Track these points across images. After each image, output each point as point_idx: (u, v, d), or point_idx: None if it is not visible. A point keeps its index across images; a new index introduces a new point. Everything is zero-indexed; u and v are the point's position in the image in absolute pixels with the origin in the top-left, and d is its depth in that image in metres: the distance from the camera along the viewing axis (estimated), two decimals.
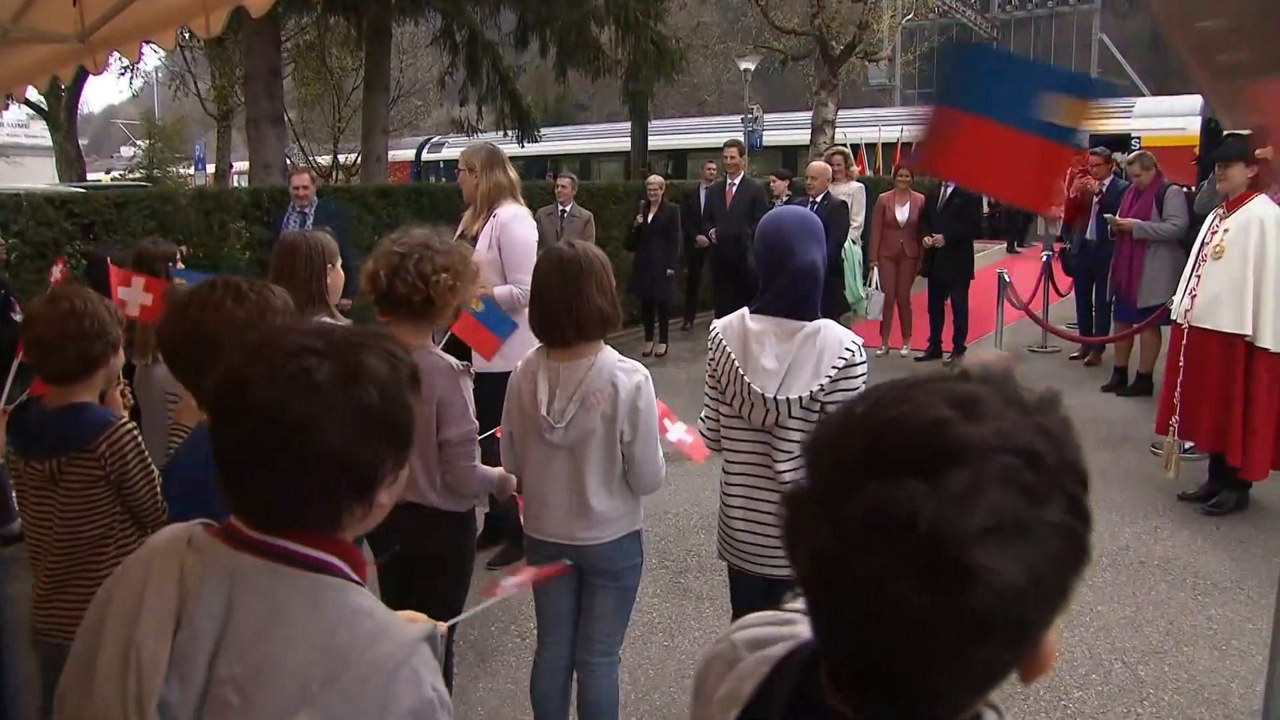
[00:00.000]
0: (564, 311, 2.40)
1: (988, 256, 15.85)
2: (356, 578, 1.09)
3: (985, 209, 18.41)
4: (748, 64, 19.12)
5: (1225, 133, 6.00)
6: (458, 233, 4.04)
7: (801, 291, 2.39)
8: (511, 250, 3.98)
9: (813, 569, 0.70)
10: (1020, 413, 0.69)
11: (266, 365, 1.04)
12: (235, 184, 21.69)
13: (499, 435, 2.70)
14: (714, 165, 9.76)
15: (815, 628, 0.76)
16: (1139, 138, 18.14)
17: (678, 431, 2.79)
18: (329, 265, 2.87)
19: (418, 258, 2.43)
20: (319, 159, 24.24)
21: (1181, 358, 4.80)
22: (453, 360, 2.52)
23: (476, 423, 2.56)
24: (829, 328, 2.38)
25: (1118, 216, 7.20)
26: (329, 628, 1.01)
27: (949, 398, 0.68)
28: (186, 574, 1.04)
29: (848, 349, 2.34)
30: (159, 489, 2.25)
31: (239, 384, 1.05)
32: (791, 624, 0.89)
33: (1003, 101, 1.46)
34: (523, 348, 2.73)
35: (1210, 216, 4.99)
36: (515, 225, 4.03)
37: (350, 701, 0.98)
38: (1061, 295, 9.45)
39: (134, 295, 4.14)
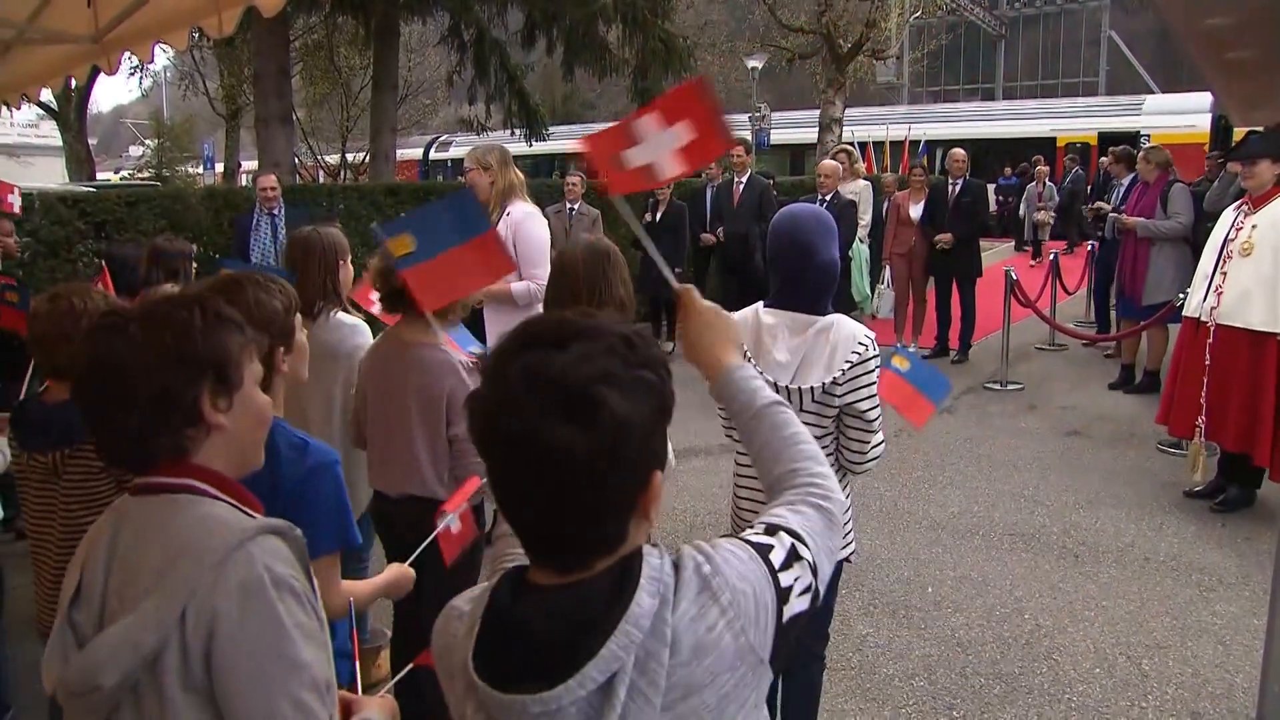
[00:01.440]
0: (587, 291, 2.44)
1: (995, 255, 15.82)
2: (225, 497, 1.25)
3: (994, 207, 18.44)
4: (755, 62, 19.11)
5: (1247, 130, 5.97)
6: None
7: (820, 288, 2.41)
8: (527, 246, 4.03)
9: (485, 434, 0.94)
10: (617, 321, 1.01)
11: (90, 331, 1.27)
12: (244, 183, 21.79)
13: None
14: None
15: (500, 500, 0.97)
16: (1148, 135, 18.09)
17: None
18: (341, 261, 2.91)
19: None
20: (327, 158, 24.34)
21: (1208, 356, 4.72)
22: (461, 356, 2.55)
23: None
24: (842, 322, 2.40)
25: (1124, 214, 7.20)
26: (178, 530, 1.19)
27: (574, 312, 1.01)
28: (96, 529, 1.27)
29: (861, 343, 2.35)
30: None
31: (81, 351, 1.28)
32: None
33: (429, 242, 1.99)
34: None
35: (1230, 213, 4.93)
36: (530, 222, 4.09)
37: (186, 582, 1.13)
38: (1069, 293, 9.44)
39: None
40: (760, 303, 2.54)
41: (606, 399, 0.90)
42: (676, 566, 1.00)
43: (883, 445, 2.42)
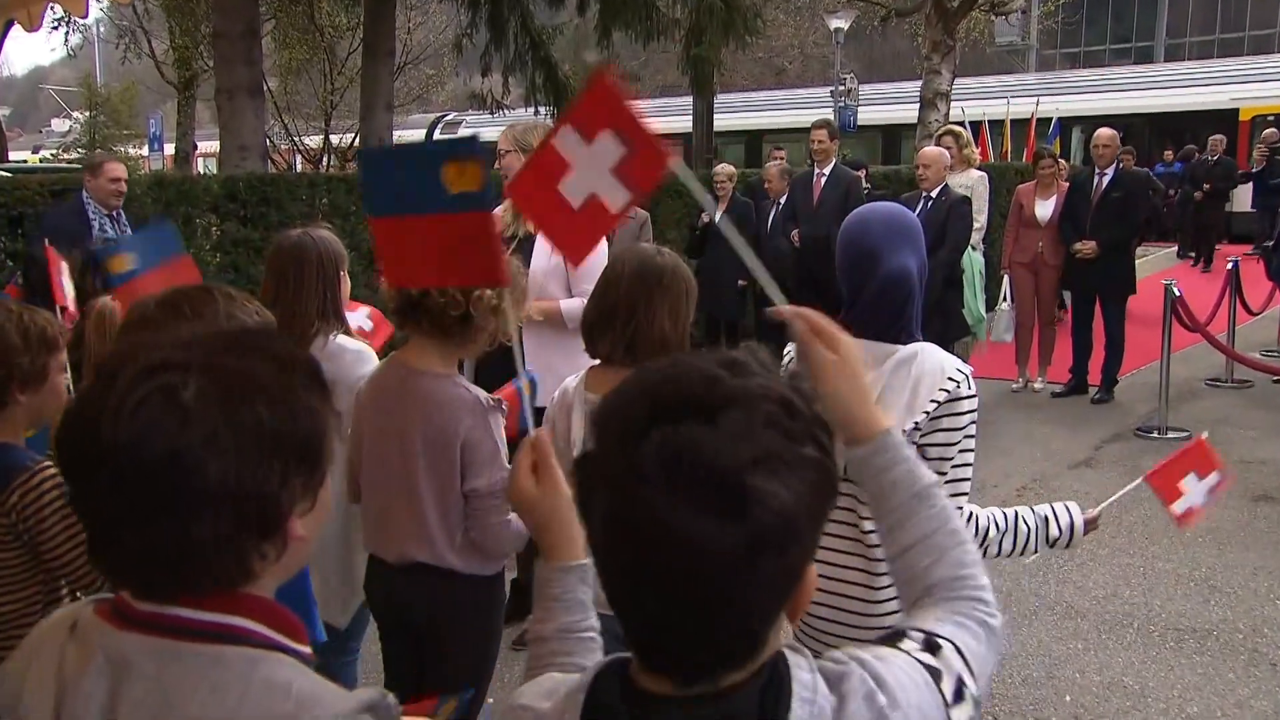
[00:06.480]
0: (625, 314, 2.50)
1: (1152, 264, 15.62)
2: (280, 638, 1.11)
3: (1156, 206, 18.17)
4: (839, 22, 19.20)
5: None
6: None
7: (893, 307, 2.43)
8: None
9: (608, 519, 0.97)
10: (776, 375, 1.02)
11: (118, 392, 1.03)
12: (201, 169, 22.28)
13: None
14: (783, 151, 9.93)
15: (611, 592, 1.01)
16: None
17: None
18: (340, 272, 2.98)
19: None
20: (306, 140, 24.83)
21: None
22: (482, 394, 2.61)
23: (509, 468, 2.63)
24: (928, 352, 2.41)
25: None
26: (229, 712, 1.02)
27: (718, 360, 1.01)
28: (66, 668, 1.07)
29: (951, 378, 2.35)
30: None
31: (86, 420, 1.05)
32: (567, 676, 1.15)
33: (411, 193, 1.68)
34: (560, 381, 2.81)
35: None
36: None
37: None
38: (1254, 314, 9.26)
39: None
40: None
41: (766, 489, 0.92)
42: (833, 685, 1.03)
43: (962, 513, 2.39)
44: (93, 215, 6.00)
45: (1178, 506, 2.85)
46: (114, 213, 6.15)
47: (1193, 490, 2.86)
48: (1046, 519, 2.61)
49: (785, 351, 2.69)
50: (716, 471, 0.91)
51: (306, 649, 1.14)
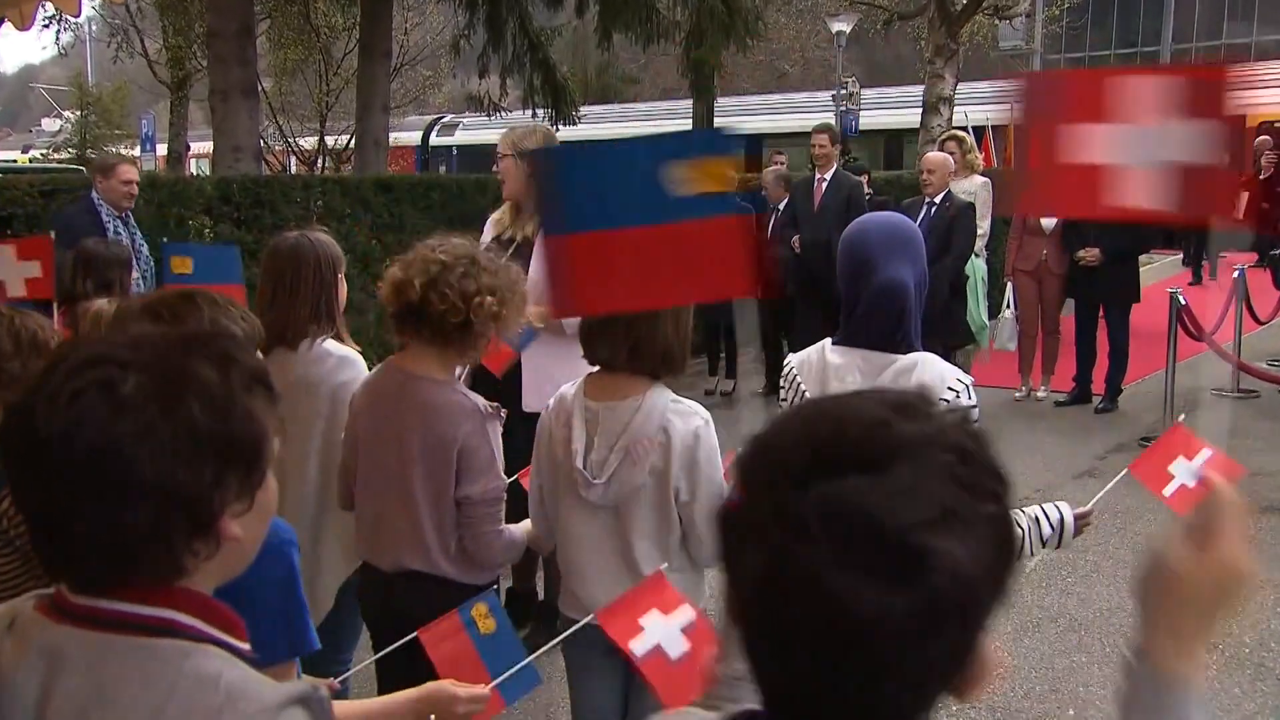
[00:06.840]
0: (623, 323, 2.48)
1: (1158, 271, 15.63)
2: (214, 632, 1.12)
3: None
4: (841, 25, 19.25)
5: None
6: (486, 237, 4.15)
7: (887, 316, 2.44)
8: None
9: (761, 577, 0.88)
10: (948, 417, 0.93)
11: (56, 383, 1.06)
12: (194, 170, 22.30)
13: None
14: (783, 156, 9.95)
15: (755, 657, 0.92)
16: None
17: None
18: (338, 275, 2.98)
19: (461, 271, 2.53)
20: (301, 141, 24.86)
21: None
22: (480, 401, 2.62)
23: (505, 478, 2.65)
24: (928, 363, 2.43)
25: None
26: (157, 704, 1.04)
27: (886, 401, 0.92)
28: (2, 662, 1.10)
29: (951, 389, 2.38)
30: None
31: (24, 410, 1.07)
32: (704, 715, 1.07)
33: (623, 199, 1.49)
34: (555, 386, 2.81)
35: None
36: None
37: None
38: (1261, 322, 9.25)
39: (10, 269, 4.10)
40: (828, 339, 2.59)
41: (942, 550, 0.83)
42: None
43: None
44: (106, 218, 6.03)
45: (1168, 490, 2.85)
46: (124, 214, 6.18)
47: (1182, 472, 2.88)
48: (1038, 519, 2.65)
49: (785, 363, 2.70)
50: (887, 531, 0.82)
51: (244, 645, 1.15)
